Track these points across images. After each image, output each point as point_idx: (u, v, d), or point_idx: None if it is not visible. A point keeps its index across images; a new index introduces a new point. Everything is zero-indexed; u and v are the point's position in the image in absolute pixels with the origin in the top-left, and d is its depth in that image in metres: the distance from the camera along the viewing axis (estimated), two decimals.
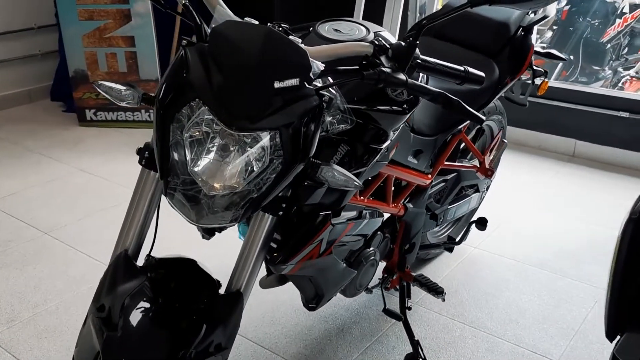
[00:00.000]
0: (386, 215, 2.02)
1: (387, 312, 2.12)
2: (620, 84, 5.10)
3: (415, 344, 2.19)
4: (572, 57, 5.00)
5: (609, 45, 5.06)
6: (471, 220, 2.43)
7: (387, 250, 2.08)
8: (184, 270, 1.49)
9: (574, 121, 3.92)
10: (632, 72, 4.72)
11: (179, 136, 1.23)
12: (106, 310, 1.33)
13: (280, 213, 1.41)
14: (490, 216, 2.55)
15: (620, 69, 4.87)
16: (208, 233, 1.62)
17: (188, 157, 1.23)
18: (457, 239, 2.44)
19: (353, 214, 1.67)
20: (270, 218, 1.43)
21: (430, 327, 2.40)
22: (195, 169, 1.23)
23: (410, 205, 2.03)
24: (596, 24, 4.97)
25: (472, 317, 2.45)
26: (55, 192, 3.46)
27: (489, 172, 2.33)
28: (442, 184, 2.29)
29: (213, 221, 1.27)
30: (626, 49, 5.28)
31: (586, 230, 3.11)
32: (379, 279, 2.24)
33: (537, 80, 2.69)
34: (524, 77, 2.76)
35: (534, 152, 4.07)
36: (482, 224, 2.37)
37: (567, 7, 5.03)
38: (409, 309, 2.22)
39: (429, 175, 2.09)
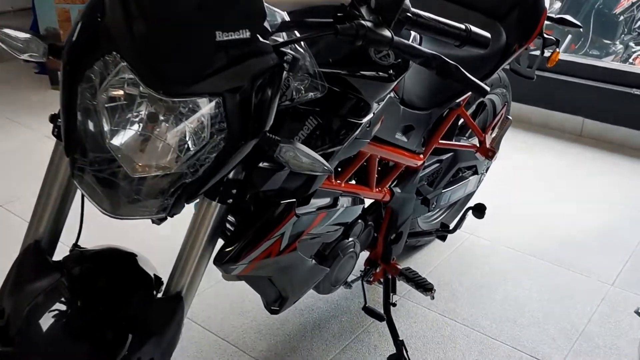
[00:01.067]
0: (369, 200, 1.75)
1: (368, 310, 1.86)
2: (631, 60, 4.80)
3: (399, 345, 1.94)
4: (582, 30, 4.68)
5: (621, 17, 4.75)
6: (467, 206, 2.16)
7: (369, 239, 1.82)
8: (118, 265, 1.22)
9: (583, 98, 3.62)
10: None
11: (89, 101, 0.94)
12: (5, 316, 1.06)
13: (230, 201, 1.14)
14: (488, 200, 2.28)
15: (631, 44, 4.56)
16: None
17: (106, 128, 0.95)
18: (452, 227, 2.17)
19: (326, 201, 1.40)
20: (217, 207, 1.15)
21: (418, 323, 2.14)
22: (115, 143, 0.95)
23: (397, 190, 1.75)
24: None
25: (465, 313, 2.19)
26: (18, 160, 3.18)
27: (489, 153, 2.05)
28: (436, 164, 2.02)
29: (132, 212, 1.00)
30: (639, 22, 4.96)
31: (593, 217, 2.85)
32: (360, 271, 1.97)
33: (547, 52, 2.41)
34: (532, 47, 2.48)
35: (537, 130, 3.79)
36: (479, 211, 2.10)
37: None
38: (394, 305, 1.96)
39: (421, 156, 1.81)
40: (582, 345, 2.06)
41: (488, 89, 1.17)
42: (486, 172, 2.38)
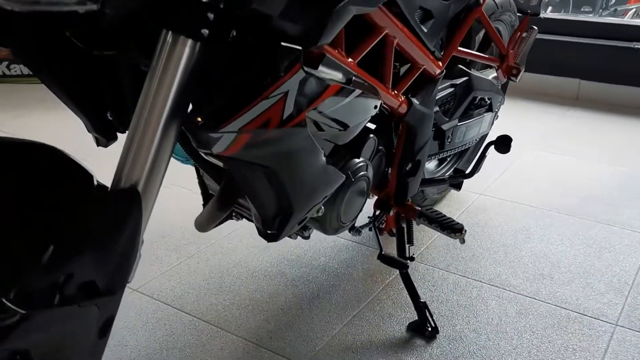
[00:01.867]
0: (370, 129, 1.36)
1: (385, 258, 1.47)
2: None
3: (421, 308, 1.56)
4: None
5: None
6: (486, 143, 1.79)
7: (381, 169, 1.44)
8: (38, 158, 0.81)
9: (576, 58, 3.34)
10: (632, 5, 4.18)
11: None
12: None
13: (206, 33, 0.75)
14: (490, 162, 1.93)
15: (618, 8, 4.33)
16: (104, 135, 0.96)
17: None
18: (468, 171, 1.81)
19: (337, 75, 1.01)
20: (187, 47, 0.76)
21: (437, 287, 1.76)
22: None
23: (415, 101, 1.38)
24: None
25: (491, 273, 1.82)
26: None
27: (514, 71, 1.70)
28: (451, 89, 1.66)
29: None
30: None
31: (612, 171, 2.52)
32: (368, 217, 1.59)
33: None
34: None
35: (531, 97, 3.49)
36: (504, 144, 1.73)
37: None
38: (412, 259, 1.57)
39: (440, 63, 1.45)
40: (638, 298, 1.71)
41: None
42: (498, 113, 2.03)
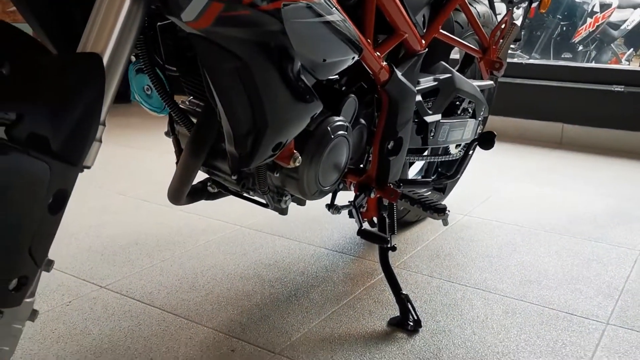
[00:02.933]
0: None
1: (365, 234, 1.41)
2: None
3: (402, 300, 1.48)
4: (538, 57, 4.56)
5: (580, 47, 4.67)
6: (470, 141, 1.76)
7: (362, 144, 1.40)
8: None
9: (560, 102, 3.38)
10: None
11: None
12: None
13: None
14: (474, 189, 1.91)
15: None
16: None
17: None
18: (450, 173, 1.77)
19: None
20: None
21: (420, 290, 1.68)
22: None
23: (397, 70, 1.36)
24: (566, 23, 4.58)
25: (476, 279, 1.75)
26: None
27: (496, 65, 1.70)
28: (434, 83, 1.65)
29: None
30: (594, 58, 4.88)
31: (598, 200, 2.49)
32: (349, 201, 1.53)
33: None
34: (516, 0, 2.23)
35: (515, 141, 3.50)
36: (487, 140, 1.70)
37: (534, 4, 4.62)
38: (393, 249, 1.51)
39: (423, 41, 1.45)
40: (628, 302, 1.64)
41: None
42: (484, 124, 2.02)
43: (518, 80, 3.42)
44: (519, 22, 2.10)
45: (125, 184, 2.54)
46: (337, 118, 1.22)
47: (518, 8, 2.33)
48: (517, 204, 2.42)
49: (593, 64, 3.66)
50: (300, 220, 2.14)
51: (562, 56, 4.31)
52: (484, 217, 2.26)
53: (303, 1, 0.90)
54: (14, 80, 0.67)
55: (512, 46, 4.56)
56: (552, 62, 3.68)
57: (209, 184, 1.37)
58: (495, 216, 2.26)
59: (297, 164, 1.16)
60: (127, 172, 2.73)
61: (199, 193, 1.38)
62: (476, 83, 1.89)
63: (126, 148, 3.15)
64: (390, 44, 1.34)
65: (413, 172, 2.22)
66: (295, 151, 1.16)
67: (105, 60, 0.75)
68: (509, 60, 3.88)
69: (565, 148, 3.36)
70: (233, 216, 2.18)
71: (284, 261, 1.84)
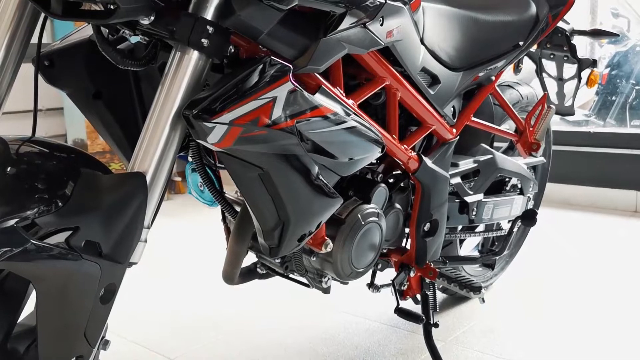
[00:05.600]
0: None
1: (402, 313, 1.49)
2: None
3: None
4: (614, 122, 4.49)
5: None
6: (514, 218, 1.82)
7: (398, 228, 1.50)
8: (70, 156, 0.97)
9: (634, 169, 3.33)
10: None
11: None
12: None
13: (206, 43, 0.92)
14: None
15: None
16: None
17: None
18: (498, 249, 1.83)
19: (335, 106, 1.11)
20: (194, 56, 0.93)
21: None
22: None
23: (426, 159, 1.47)
24: None
25: (528, 355, 1.77)
26: None
27: (533, 146, 1.77)
28: (474, 164, 1.74)
29: None
30: None
31: None
32: (390, 280, 1.62)
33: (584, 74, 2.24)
34: (566, 76, 2.30)
35: (585, 209, 3.45)
36: (529, 217, 1.76)
37: (606, 71, 4.61)
38: (436, 326, 1.58)
39: (454, 130, 1.56)
40: None
41: None
42: (532, 198, 2.06)
43: (588, 149, 3.43)
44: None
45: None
46: (367, 206, 1.34)
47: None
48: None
49: None
50: (356, 294, 2.23)
51: (632, 123, 4.25)
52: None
53: (317, 115, 1.04)
54: (74, 198, 0.86)
55: (585, 112, 4.51)
56: (621, 130, 3.64)
57: (257, 265, 1.51)
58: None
59: (329, 250, 1.28)
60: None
61: (251, 274, 1.52)
62: (523, 161, 1.96)
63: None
64: (418, 135, 1.46)
65: (470, 247, 2.27)
66: (326, 237, 1.28)
67: (148, 177, 0.92)
68: (577, 129, 3.89)
69: None
70: None
71: (339, 335, 1.94)
